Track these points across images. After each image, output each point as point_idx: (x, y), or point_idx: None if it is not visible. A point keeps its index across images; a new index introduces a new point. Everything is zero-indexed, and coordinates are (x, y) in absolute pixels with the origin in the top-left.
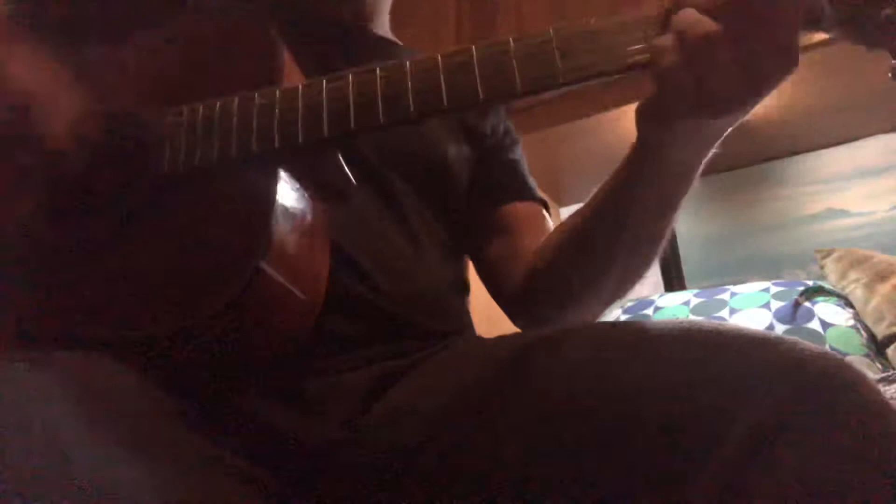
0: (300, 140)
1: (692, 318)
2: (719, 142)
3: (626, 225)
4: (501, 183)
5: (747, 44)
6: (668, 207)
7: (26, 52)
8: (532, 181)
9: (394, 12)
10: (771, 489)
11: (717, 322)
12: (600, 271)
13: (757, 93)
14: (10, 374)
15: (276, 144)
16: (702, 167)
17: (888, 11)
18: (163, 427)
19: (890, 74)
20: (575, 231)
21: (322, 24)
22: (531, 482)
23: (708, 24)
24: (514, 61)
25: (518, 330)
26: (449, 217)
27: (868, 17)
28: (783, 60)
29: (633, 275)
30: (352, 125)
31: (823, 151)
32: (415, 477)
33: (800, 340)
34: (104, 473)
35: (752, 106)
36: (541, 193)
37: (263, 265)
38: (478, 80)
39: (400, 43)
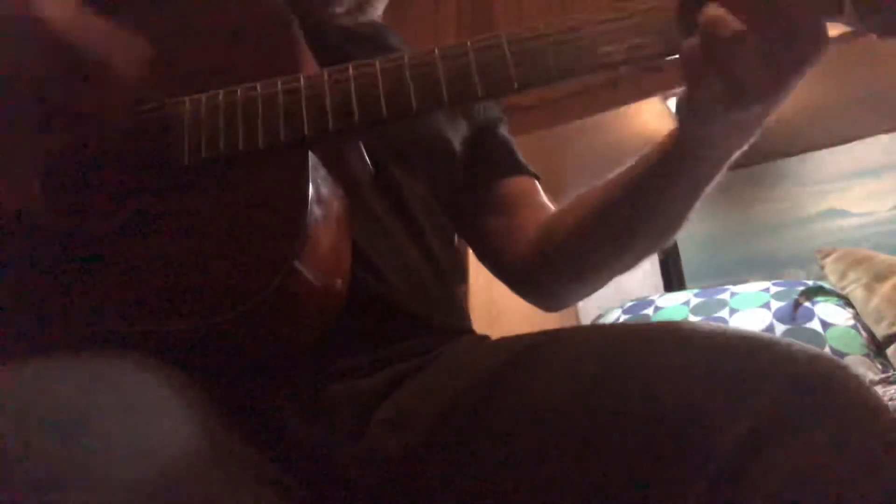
0: (330, 128)
1: (692, 318)
2: (759, 131)
3: (656, 206)
4: (496, 159)
5: (769, 36)
6: (698, 190)
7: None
8: (522, 156)
9: (394, 9)
10: (767, 487)
11: (712, 324)
12: (621, 248)
13: (783, 81)
14: (59, 365)
15: (307, 131)
16: (738, 154)
17: None
18: (206, 427)
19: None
20: (599, 208)
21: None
22: (530, 485)
23: (734, 24)
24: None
25: (521, 299)
26: (449, 200)
27: (890, 7)
28: (806, 49)
29: (648, 251)
30: (384, 113)
31: (823, 151)
32: (418, 481)
33: (794, 342)
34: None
35: (784, 94)
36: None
37: (298, 265)
38: (513, 68)
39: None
